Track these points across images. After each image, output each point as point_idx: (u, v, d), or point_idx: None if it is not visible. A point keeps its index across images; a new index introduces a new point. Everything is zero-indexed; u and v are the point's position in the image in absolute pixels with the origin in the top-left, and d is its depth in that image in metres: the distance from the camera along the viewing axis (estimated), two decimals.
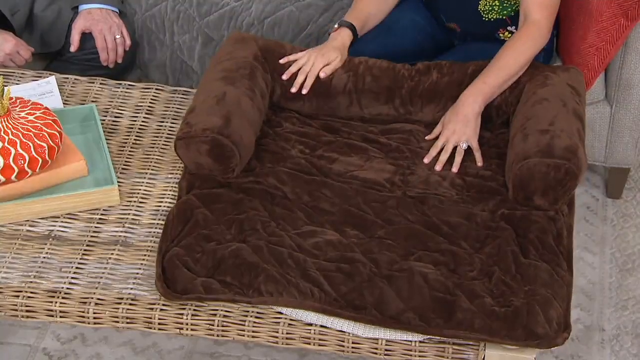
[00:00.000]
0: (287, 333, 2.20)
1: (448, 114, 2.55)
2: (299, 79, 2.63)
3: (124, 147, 2.58)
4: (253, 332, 2.20)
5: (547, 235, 2.31)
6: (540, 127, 2.40)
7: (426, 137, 2.56)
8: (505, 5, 2.76)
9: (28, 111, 2.38)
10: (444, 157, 2.49)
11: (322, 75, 2.62)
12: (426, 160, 2.50)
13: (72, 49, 2.97)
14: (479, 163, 2.49)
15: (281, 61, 2.64)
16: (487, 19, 2.80)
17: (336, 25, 2.73)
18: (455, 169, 2.48)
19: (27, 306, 2.23)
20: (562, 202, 2.36)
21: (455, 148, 2.51)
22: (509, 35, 2.82)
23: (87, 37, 2.98)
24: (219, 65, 2.59)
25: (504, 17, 2.79)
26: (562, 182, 2.33)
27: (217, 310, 2.22)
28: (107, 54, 2.98)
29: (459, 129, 2.51)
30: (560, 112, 2.44)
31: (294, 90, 2.62)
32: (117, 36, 2.97)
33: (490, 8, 2.78)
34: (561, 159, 2.32)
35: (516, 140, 2.41)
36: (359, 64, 2.64)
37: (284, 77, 2.63)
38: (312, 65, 2.63)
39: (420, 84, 2.61)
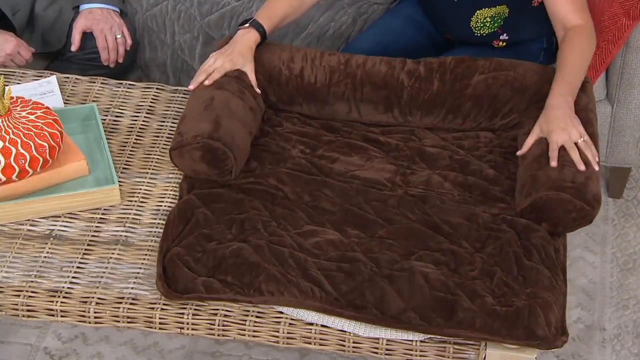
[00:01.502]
0: (287, 332, 2.20)
1: (545, 125, 2.41)
2: (199, 78, 2.54)
3: (125, 146, 2.58)
4: (254, 331, 2.20)
5: (549, 245, 2.31)
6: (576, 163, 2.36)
7: (518, 153, 2.44)
8: (496, 18, 2.76)
9: (29, 111, 2.38)
10: (576, 156, 2.36)
11: (206, 83, 2.51)
12: (553, 163, 2.35)
13: (73, 48, 2.97)
14: (587, 164, 2.36)
15: (190, 87, 2.54)
16: (478, 34, 2.80)
17: (246, 24, 2.59)
18: (582, 167, 2.35)
19: (28, 305, 2.23)
20: (564, 234, 2.37)
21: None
22: (503, 44, 2.81)
23: (88, 37, 2.98)
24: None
25: (496, 30, 2.78)
26: (576, 222, 2.32)
27: (217, 309, 2.22)
28: (108, 53, 2.98)
29: (569, 128, 2.39)
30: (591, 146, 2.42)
31: (191, 87, 2.53)
32: (118, 36, 2.97)
33: (482, 24, 2.78)
34: (589, 204, 2.30)
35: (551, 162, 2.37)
36: (357, 69, 2.61)
37: (191, 87, 2.54)
38: (216, 64, 2.54)
39: (420, 94, 2.59)
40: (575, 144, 2.38)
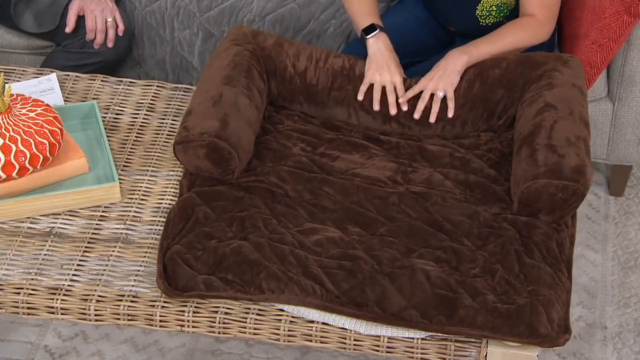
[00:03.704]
0: (288, 330, 2.20)
1: (434, 69, 2.58)
2: (376, 95, 2.57)
3: (125, 144, 2.57)
4: (254, 329, 2.20)
5: (551, 241, 2.30)
6: (549, 142, 2.37)
7: (406, 93, 2.57)
8: (502, 8, 2.76)
9: (29, 108, 2.38)
10: (421, 105, 2.55)
11: (404, 108, 2.58)
12: (404, 108, 2.55)
13: (68, 29, 2.98)
14: (450, 114, 2.54)
15: (359, 98, 2.58)
16: (484, 24, 2.80)
17: (372, 33, 2.62)
18: (432, 118, 2.55)
19: (28, 303, 2.23)
20: (566, 218, 2.36)
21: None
22: None
23: (83, 24, 2.99)
24: (215, 63, 2.58)
25: (502, 19, 2.78)
26: (569, 202, 2.31)
27: (218, 307, 2.21)
28: (96, 35, 2.97)
29: (436, 78, 2.55)
30: (568, 123, 2.41)
31: (360, 97, 2.58)
32: (109, 19, 2.96)
33: (487, 13, 2.77)
34: (569, 180, 2.29)
35: (523, 154, 2.38)
36: (360, 77, 2.61)
37: (360, 97, 2.58)
38: (386, 79, 2.58)
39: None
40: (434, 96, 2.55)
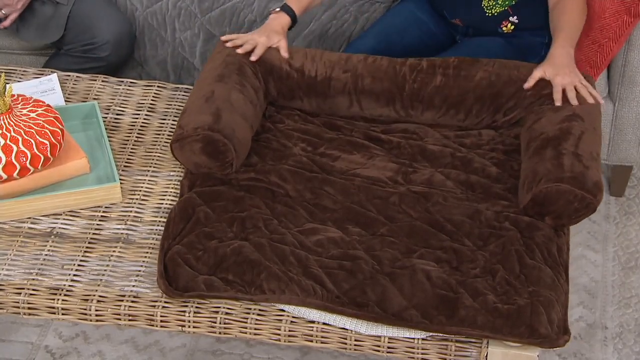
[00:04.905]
0: (289, 330, 2.20)
1: (550, 69, 2.56)
2: (236, 41, 2.63)
3: (126, 144, 2.57)
4: (255, 329, 2.20)
5: (552, 244, 2.30)
6: (576, 150, 2.37)
7: (525, 86, 2.55)
8: None
9: (30, 108, 2.38)
10: (572, 94, 2.52)
11: (253, 58, 2.61)
12: (558, 103, 2.52)
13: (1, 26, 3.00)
14: (591, 100, 2.52)
15: (223, 38, 2.64)
16: (490, 14, 2.80)
17: (277, 9, 2.70)
18: (590, 99, 2.52)
19: (29, 303, 2.23)
20: (568, 227, 2.36)
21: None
22: (511, 26, 2.82)
23: (82, 29, 2.99)
24: (208, 65, 2.60)
25: (506, 8, 2.79)
26: (579, 213, 2.32)
27: (219, 307, 2.22)
28: None
29: (569, 73, 2.55)
30: (592, 138, 2.43)
31: (240, 51, 2.61)
32: (3, 10, 2.98)
33: (494, 3, 2.78)
34: (589, 193, 2.30)
35: (548, 155, 2.38)
36: (357, 63, 2.63)
37: (225, 41, 2.63)
38: (254, 37, 2.64)
39: (422, 87, 2.59)
40: (574, 87, 2.54)
